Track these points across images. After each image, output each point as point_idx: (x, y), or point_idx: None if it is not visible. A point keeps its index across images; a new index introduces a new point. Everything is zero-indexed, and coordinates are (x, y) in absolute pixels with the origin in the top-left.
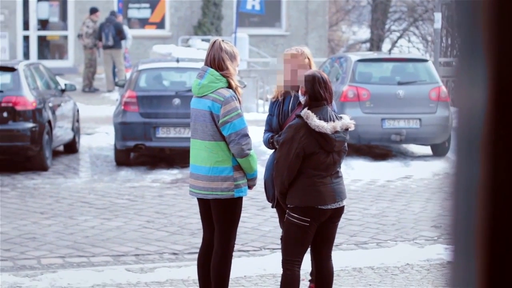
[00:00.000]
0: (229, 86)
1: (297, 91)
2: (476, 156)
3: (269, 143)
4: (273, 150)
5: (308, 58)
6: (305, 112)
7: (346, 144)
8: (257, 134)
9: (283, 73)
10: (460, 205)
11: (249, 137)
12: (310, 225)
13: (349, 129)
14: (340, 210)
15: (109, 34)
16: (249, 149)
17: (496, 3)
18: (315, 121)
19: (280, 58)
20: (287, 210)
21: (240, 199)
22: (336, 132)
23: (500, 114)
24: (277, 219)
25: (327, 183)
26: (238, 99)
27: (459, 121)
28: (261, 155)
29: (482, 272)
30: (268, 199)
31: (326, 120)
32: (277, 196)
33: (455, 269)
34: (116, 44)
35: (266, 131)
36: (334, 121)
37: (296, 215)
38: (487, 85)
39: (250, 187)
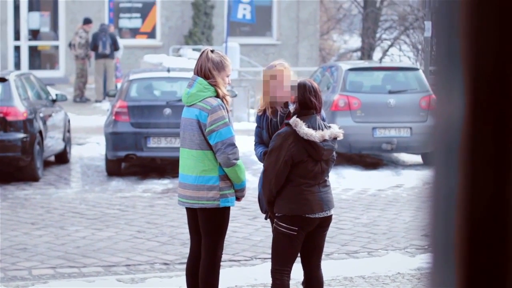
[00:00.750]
0: (217, 95)
1: (285, 106)
2: (454, 166)
3: (263, 159)
4: None
5: (290, 71)
6: (294, 120)
7: (334, 153)
8: (248, 144)
9: (268, 91)
10: (439, 214)
11: (236, 147)
12: (298, 234)
13: (338, 138)
14: (328, 219)
15: (106, 43)
16: (236, 159)
17: (474, 14)
18: (303, 129)
19: (261, 76)
20: (275, 219)
21: (226, 209)
22: (325, 140)
23: (477, 124)
24: (268, 229)
25: (315, 191)
26: (226, 108)
27: (437, 131)
28: (252, 165)
29: (461, 280)
30: (262, 210)
31: (314, 128)
32: (265, 204)
33: (435, 277)
34: (111, 54)
35: (257, 143)
36: (322, 129)
37: (283, 224)
38: (464, 96)
39: (238, 198)
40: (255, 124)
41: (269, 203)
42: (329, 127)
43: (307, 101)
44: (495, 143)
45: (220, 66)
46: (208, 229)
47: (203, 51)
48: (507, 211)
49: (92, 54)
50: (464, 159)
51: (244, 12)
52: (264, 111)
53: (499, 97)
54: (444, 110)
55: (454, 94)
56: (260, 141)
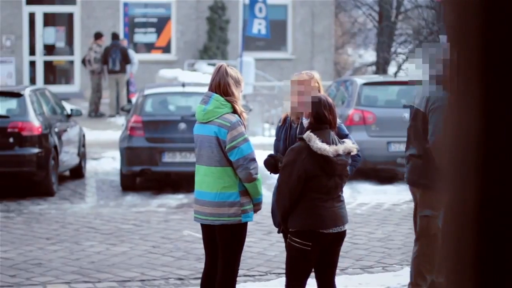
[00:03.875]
0: (234, 111)
1: (297, 120)
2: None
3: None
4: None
5: (318, 83)
6: (308, 135)
7: (348, 168)
8: (262, 158)
9: (291, 97)
10: (450, 226)
11: (256, 162)
12: (312, 249)
13: (352, 153)
14: (342, 235)
15: (116, 59)
16: (257, 173)
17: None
18: (317, 143)
19: (288, 82)
20: (289, 234)
21: (246, 224)
22: (338, 155)
23: (490, 138)
24: (283, 244)
25: (328, 206)
26: (243, 124)
27: (450, 145)
28: (267, 179)
29: None
30: (275, 224)
31: (328, 143)
32: (279, 219)
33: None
34: (122, 69)
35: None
36: (336, 144)
37: (297, 239)
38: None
39: (255, 211)
40: (270, 139)
41: (283, 218)
42: (343, 142)
43: (321, 116)
44: (507, 157)
45: (237, 82)
46: (228, 245)
47: (220, 66)
48: None
49: (105, 68)
50: (475, 174)
51: (259, 27)
52: (285, 121)
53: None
54: (457, 125)
55: (467, 109)
56: (276, 151)
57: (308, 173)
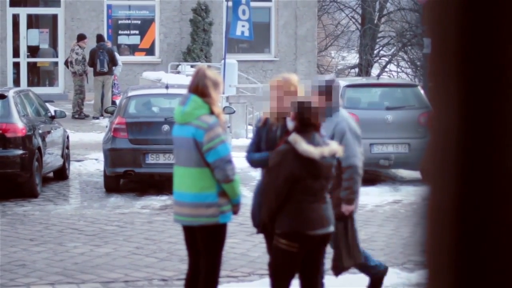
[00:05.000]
0: (212, 113)
1: (284, 119)
2: (449, 179)
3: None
4: (260, 179)
5: (295, 86)
6: (293, 137)
7: (334, 170)
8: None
9: (270, 100)
10: (434, 228)
11: (233, 163)
12: (299, 250)
13: (336, 155)
14: (328, 236)
15: (104, 61)
16: (234, 175)
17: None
18: (303, 146)
19: (267, 85)
20: (275, 236)
21: (225, 225)
22: (324, 157)
23: (470, 137)
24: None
25: (315, 208)
26: (221, 125)
27: (433, 146)
28: (250, 181)
29: None
30: (254, 225)
31: (314, 145)
32: (266, 221)
33: None
34: (109, 71)
35: (254, 151)
36: (321, 146)
37: (284, 241)
38: (459, 110)
39: (234, 212)
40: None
41: (270, 220)
42: (328, 144)
43: (305, 120)
44: (489, 156)
45: (216, 84)
46: (207, 246)
47: (199, 68)
48: (501, 224)
49: (90, 70)
50: (457, 171)
51: (242, 29)
52: (265, 122)
53: (492, 110)
54: (440, 125)
55: (450, 109)
56: (256, 150)
57: (294, 175)
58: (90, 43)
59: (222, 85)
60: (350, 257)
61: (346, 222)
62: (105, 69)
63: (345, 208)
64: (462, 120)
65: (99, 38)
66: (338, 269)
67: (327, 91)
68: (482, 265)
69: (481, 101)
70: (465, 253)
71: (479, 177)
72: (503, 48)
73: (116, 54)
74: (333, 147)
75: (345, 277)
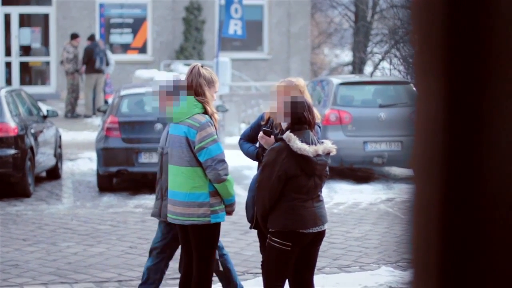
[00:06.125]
0: (205, 112)
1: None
2: (434, 175)
3: (256, 157)
4: (256, 173)
5: (301, 91)
6: (287, 135)
7: (327, 168)
8: (239, 158)
9: (275, 104)
10: (419, 226)
11: (226, 163)
12: (292, 249)
13: (331, 154)
14: (321, 234)
15: (103, 59)
16: (226, 174)
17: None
18: (297, 143)
19: (273, 89)
20: (269, 235)
21: (217, 224)
22: (318, 155)
23: (455, 135)
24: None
25: (308, 206)
26: (214, 125)
27: (417, 142)
28: (243, 179)
29: None
30: (248, 218)
31: (308, 143)
32: (259, 219)
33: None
34: (104, 69)
35: (245, 140)
36: (316, 144)
37: (277, 239)
38: (442, 104)
39: (229, 213)
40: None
41: (262, 218)
42: (322, 142)
43: (300, 116)
44: (474, 154)
45: (210, 82)
46: (199, 245)
47: (193, 67)
48: (487, 222)
49: (84, 68)
50: (442, 168)
51: (235, 27)
52: (268, 121)
53: (475, 105)
54: (424, 120)
55: (433, 104)
56: (247, 139)
57: (288, 173)
58: (83, 42)
59: (218, 84)
60: None
61: None
62: (103, 67)
63: None
64: (446, 117)
65: (93, 37)
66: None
67: (174, 91)
68: (468, 263)
69: (465, 99)
70: (451, 251)
71: (464, 175)
72: (488, 46)
73: (109, 52)
74: (328, 145)
75: (340, 275)
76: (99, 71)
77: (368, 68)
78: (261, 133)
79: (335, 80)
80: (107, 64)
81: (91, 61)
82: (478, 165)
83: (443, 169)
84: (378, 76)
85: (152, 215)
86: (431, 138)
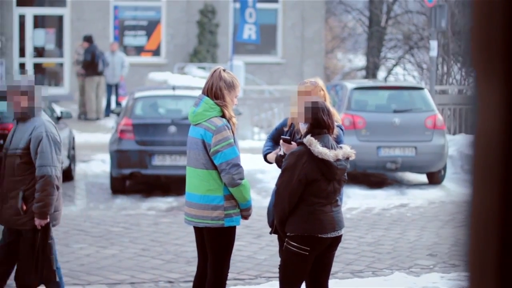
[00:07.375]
0: (223, 116)
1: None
2: (492, 183)
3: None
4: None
5: (323, 90)
6: (308, 139)
7: (346, 173)
8: (252, 162)
9: (296, 106)
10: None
11: (241, 167)
12: (309, 254)
13: (350, 158)
14: (338, 239)
15: (104, 62)
16: (241, 179)
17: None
18: (318, 148)
19: (294, 91)
20: (286, 239)
21: (232, 228)
22: (338, 160)
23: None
24: (273, 247)
25: (327, 211)
26: (232, 129)
27: (476, 149)
28: (257, 183)
29: None
30: (269, 223)
31: (328, 147)
32: (276, 223)
33: None
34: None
35: (269, 139)
36: (335, 149)
37: (295, 244)
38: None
39: (244, 217)
40: (259, 142)
41: (281, 222)
42: (341, 147)
43: (320, 121)
44: None
45: (231, 86)
46: (213, 248)
47: (215, 70)
48: None
49: (83, 71)
50: (502, 176)
51: (249, 32)
52: (290, 126)
53: None
54: (483, 128)
55: (493, 111)
56: (271, 139)
57: (309, 177)
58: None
59: (239, 88)
60: (36, 272)
61: (35, 234)
62: (104, 69)
63: (38, 222)
64: (507, 118)
65: (91, 39)
66: (20, 281)
67: (29, 90)
68: None
69: None
70: (510, 255)
71: None
72: None
73: (123, 54)
74: (347, 150)
75: (353, 280)
76: (100, 73)
77: (381, 73)
78: (281, 141)
79: (349, 84)
80: (106, 65)
81: (93, 63)
82: None
83: (503, 172)
84: (392, 81)
85: None
86: (491, 140)
